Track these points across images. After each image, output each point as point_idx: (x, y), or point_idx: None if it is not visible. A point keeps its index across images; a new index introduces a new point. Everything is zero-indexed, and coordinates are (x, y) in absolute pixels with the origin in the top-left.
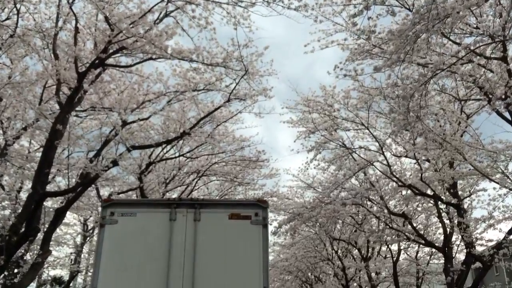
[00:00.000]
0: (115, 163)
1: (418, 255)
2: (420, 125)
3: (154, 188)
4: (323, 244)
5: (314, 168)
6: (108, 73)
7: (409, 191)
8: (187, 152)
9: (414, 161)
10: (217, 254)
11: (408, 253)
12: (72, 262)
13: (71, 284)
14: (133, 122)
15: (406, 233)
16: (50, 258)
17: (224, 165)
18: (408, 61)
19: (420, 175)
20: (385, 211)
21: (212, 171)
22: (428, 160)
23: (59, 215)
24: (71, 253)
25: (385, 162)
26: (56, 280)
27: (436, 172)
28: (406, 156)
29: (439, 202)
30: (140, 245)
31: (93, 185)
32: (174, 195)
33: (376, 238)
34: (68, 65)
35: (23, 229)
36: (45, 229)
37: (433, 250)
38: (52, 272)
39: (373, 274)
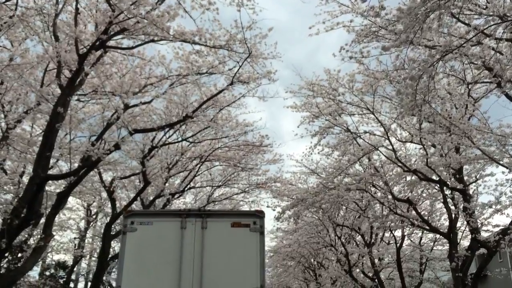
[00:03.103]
0: (117, 146)
1: (422, 241)
2: (427, 108)
3: (157, 173)
4: (326, 230)
5: (318, 153)
6: (110, 56)
7: (414, 177)
8: (190, 137)
9: (420, 146)
10: (221, 256)
11: (412, 239)
12: (76, 247)
13: (75, 269)
14: (135, 105)
15: (411, 219)
16: (53, 243)
17: (227, 151)
18: (417, 42)
19: (425, 160)
20: (389, 197)
21: (215, 156)
22: (433, 146)
23: (61, 199)
24: (74, 238)
25: (390, 147)
26: (60, 264)
27: (442, 158)
28: (411, 142)
29: (445, 188)
30: (156, 249)
31: (95, 170)
32: (177, 181)
33: (380, 223)
34: (69, 47)
35: (24, 213)
36: (47, 213)
37: (437, 236)
38: (56, 257)
39: (376, 260)
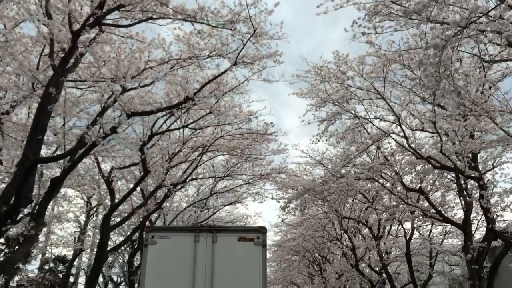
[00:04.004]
0: (113, 130)
1: (431, 234)
2: (449, 83)
3: (157, 161)
4: (331, 224)
5: (326, 140)
6: (107, 39)
7: (426, 165)
8: (191, 123)
9: (430, 135)
10: (229, 266)
11: (421, 232)
12: (76, 241)
13: (75, 263)
14: (133, 88)
15: (424, 210)
16: (53, 237)
17: (230, 140)
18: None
19: (440, 146)
20: (399, 187)
21: (218, 146)
22: (446, 134)
23: (55, 185)
24: (74, 231)
25: (401, 133)
26: (60, 258)
27: (455, 145)
28: (422, 130)
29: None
30: (173, 260)
31: (93, 159)
32: (179, 173)
33: (389, 215)
34: (63, 28)
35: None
36: (39, 201)
37: (447, 229)
38: (56, 251)
39: (383, 254)
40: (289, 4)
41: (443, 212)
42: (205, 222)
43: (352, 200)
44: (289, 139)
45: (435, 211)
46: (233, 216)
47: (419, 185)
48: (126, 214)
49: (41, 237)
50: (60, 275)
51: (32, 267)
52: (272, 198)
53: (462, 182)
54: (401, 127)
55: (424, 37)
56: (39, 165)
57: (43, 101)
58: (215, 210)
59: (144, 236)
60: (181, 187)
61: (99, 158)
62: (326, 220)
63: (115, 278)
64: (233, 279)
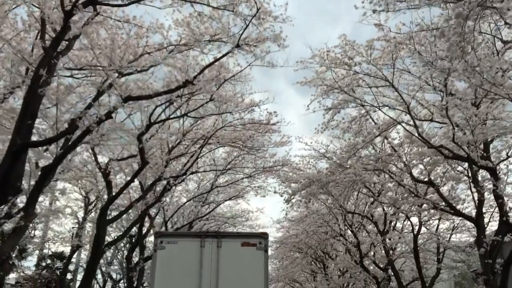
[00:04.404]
0: (108, 115)
1: (438, 229)
2: (471, 58)
3: (155, 153)
4: (335, 219)
5: (332, 129)
6: (103, 22)
7: (437, 156)
8: (191, 111)
9: (440, 126)
10: (233, 270)
11: (427, 227)
12: (74, 236)
13: (73, 260)
14: (130, 73)
15: (434, 203)
16: (50, 233)
17: (232, 131)
18: None
19: (452, 134)
20: (408, 180)
21: (219, 137)
22: (457, 125)
23: (46, 174)
24: (72, 227)
25: (411, 122)
26: (57, 255)
27: (466, 135)
28: (431, 120)
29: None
30: (181, 263)
31: (90, 152)
32: (179, 167)
33: (396, 208)
34: (55, 10)
35: None
36: (30, 190)
37: (455, 224)
38: (53, 248)
39: (389, 250)
40: (290, 3)
41: (453, 205)
42: (205, 217)
43: (357, 194)
44: (296, 129)
45: (445, 204)
46: (234, 211)
47: (429, 177)
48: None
49: (38, 233)
50: (58, 272)
51: (29, 264)
52: (275, 192)
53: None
54: (410, 115)
55: (445, 7)
56: (32, 155)
57: (33, 84)
58: (216, 205)
59: (153, 241)
60: (181, 181)
61: (96, 150)
62: (330, 216)
63: (114, 275)
64: (237, 282)
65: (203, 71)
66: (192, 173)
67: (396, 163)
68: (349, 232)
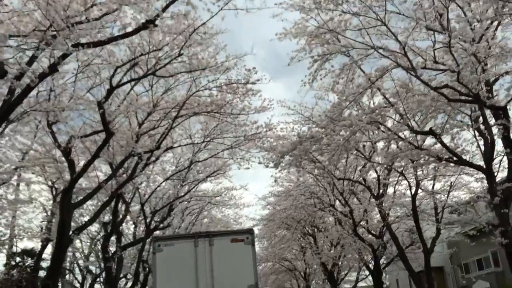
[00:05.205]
0: (53, 67)
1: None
2: None
3: (124, 125)
4: (324, 190)
5: (321, 79)
6: None
7: (440, 100)
8: (158, 69)
9: (434, 73)
10: (225, 264)
11: (422, 188)
12: (42, 230)
13: (45, 256)
14: (80, 22)
15: (437, 154)
16: (16, 229)
17: (207, 96)
18: None
19: (456, 74)
20: (405, 133)
21: (194, 105)
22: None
23: None
24: (41, 221)
25: (407, 63)
26: (27, 252)
27: (472, 74)
28: (424, 67)
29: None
30: (178, 262)
31: (47, 129)
32: (152, 144)
33: (392, 164)
34: None
35: None
36: None
37: (452, 180)
38: (21, 245)
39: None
40: None
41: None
42: (186, 197)
43: (346, 161)
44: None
45: (450, 155)
46: (216, 189)
47: (430, 127)
48: None
49: (5, 230)
50: (28, 270)
51: None
52: (259, 163)
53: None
54: (407, 57)
55: None
56: None
57: None
58: (197, 183)
59: (151, 245)
60: (156, 159)
61: (54, 128)
62: (318, 187)
63: (93, 270)
64: (229, 274)
65: (169, 6)
66: (167, 149)
67: (391, 116)
68: (338, 202)
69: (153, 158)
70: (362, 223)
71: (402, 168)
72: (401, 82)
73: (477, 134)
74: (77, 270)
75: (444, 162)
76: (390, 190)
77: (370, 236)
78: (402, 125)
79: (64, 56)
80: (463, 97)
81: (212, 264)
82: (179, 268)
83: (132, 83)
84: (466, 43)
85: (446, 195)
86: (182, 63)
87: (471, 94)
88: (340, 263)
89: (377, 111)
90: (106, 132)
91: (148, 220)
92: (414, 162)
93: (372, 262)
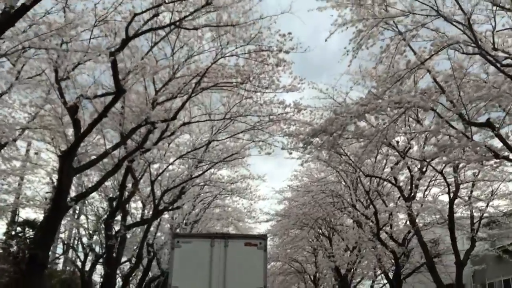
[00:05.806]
0: None
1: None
2: None
3: (138, 89)
4: (346, 188)
5: (368, 48)
6: None
7: (502, 88)
8: (180, 20)
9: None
10: (237, 265)
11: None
12: (47, 201)
13: None
14: None
15: (493, 150)
16: (21, 197)
17: (232, 67)
18: None
19: None
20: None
21: (218, 74)
22: None
23: None
24: (47, 192)
25: (472, 38)
26: (29, 222)
27: None
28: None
29: None
30: (194, 259)
31: (55, 85)
32: (175, 117)
33: (440, 150)
34: None
35: None
36: None
37: (494, 187)
38: (24, 215)
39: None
40: None
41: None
42: (199, 179)
43: (376, 156)
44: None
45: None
46: (232, 177)
47: (487, 118)
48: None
49: (7, 197)
50: (28, 242)
51: None
52: (282, 148)
53: None
54: (471, 30)
55: None
56: None
57: None
58: (212, 164)
59: (171, 241)
60: (171, 134)
61: (62, 84)
62: (340, 185)
63: (97, 249)
64: (241, 275)
65: None
66: (184, 124)
67: (441, 103)
68: (360, 203)
69: (168, 133)
70: (386, 228)
71: (443, 167)
72: (456, 64)
73: None
74: (80, 248)
75: (493, 162)
76: (419, 194)
77: (392, 242)
78: (454, 113)
79: None
80: None
81: (226, 264)
82: (194, 265)
83: (151, 42)
84: None
85: (485, 204)
86: (209, 19)
87: None
88: (355, 268)
89: (428, 93)
90: (117, 88)
91: (157, 200)
92: (462, 158)
93: (392, 271)
